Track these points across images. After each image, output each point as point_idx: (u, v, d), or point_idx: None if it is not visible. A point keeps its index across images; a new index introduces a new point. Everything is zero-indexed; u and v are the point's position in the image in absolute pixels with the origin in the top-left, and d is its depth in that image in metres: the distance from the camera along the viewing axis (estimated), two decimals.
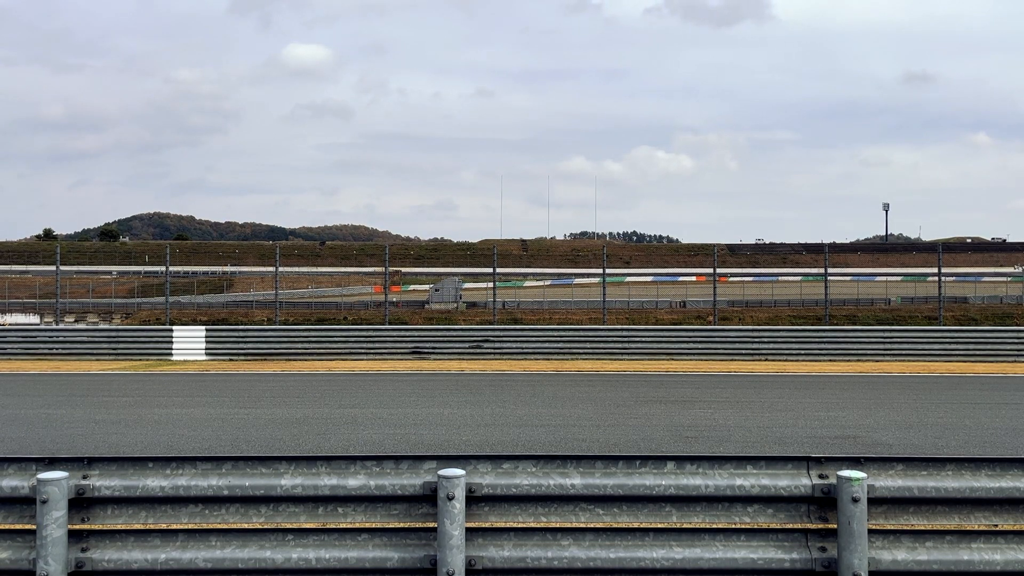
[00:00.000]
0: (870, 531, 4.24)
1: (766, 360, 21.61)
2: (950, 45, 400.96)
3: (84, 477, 4.38)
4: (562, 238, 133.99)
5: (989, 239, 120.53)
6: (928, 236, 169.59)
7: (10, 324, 36.59)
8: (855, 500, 4.16)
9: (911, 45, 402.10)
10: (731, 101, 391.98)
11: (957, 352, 21.56)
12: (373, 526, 4.43)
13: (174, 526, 4.42)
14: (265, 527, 4.43)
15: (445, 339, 23.12)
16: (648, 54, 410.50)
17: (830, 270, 27.49)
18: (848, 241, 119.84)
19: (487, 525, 4.45)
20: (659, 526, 4.42)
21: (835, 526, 4.28)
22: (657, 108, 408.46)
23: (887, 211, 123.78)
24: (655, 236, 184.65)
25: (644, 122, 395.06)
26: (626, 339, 22.86)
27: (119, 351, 22.76)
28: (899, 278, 68.75)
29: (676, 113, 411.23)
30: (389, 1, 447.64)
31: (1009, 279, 66.93)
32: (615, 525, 4.41)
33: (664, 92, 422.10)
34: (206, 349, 22.74)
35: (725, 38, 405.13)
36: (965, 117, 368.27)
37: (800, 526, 4.39)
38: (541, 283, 73.84)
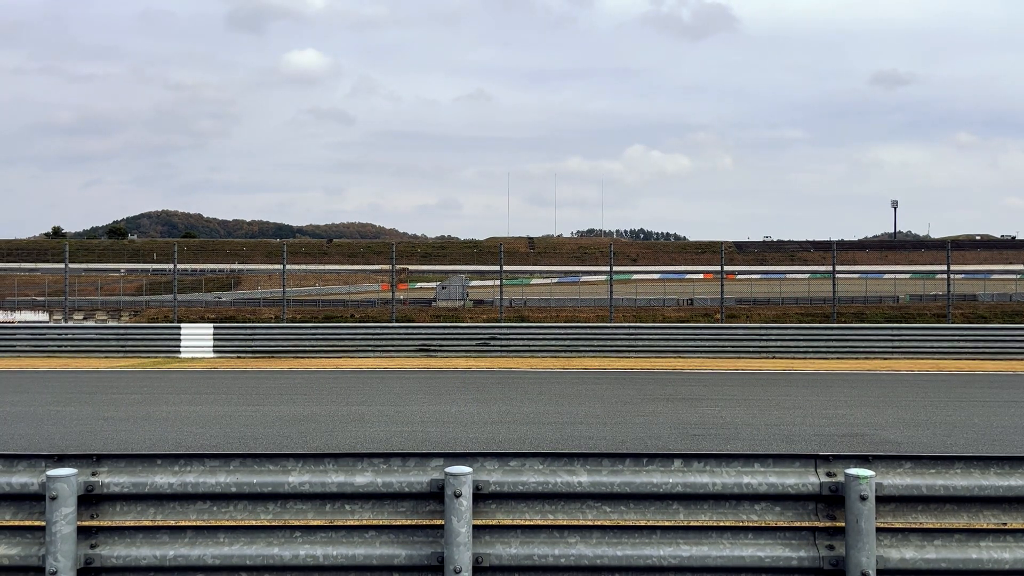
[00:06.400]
0: (878, 529, 4.23)
1: (773, 358, 21.56)
2: (960, 43, 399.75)
3: (93, 474, 4.39)
4: (569, 236, 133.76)
5: (998, 236, 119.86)
6: (937, 233, 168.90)
7: (19, 321, 36.77)
8: (863, 498, 4.15)
9: (917, 44, 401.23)
10: (738, 100, 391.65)
11: (966, 350, 21.48)
12: (380, 523, 4.44)
13: (183, 523, 4.44)
14: (273, 524, 4.44)
15: (452, 337, 23.14)
16: (645, 57, 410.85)
17: (838, 268, 27.40)
18: (856, 239, 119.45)
19: (494, 522, 4.45)
20: (666, 524, 4.42)
21: (843, 524, 4.27)
22: (660, 108, 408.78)
23: (896, 208, 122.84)
24: (662, 234, 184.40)
25: (648, 121, 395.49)
26: (633, 337, 22.84)
27: (127, 349, 22.86)
28: (907, 276, 68.51)
29: (681, 112, 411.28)
30: (383, 16, 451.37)
31: (1018, 277, 66.67)
32: (622, 523, 4.41)
33: (666, 92, 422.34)
34: (214, 347, 22.82)
35: (720, 41, 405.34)
36: (976, 115, 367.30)
37: (808, 524, 4.37)
38: (548, 281, 73.81)
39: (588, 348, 22.43)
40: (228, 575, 4.35)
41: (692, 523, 4.40)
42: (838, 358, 21.28)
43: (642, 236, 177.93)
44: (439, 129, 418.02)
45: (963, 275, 64.92)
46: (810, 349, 21.96)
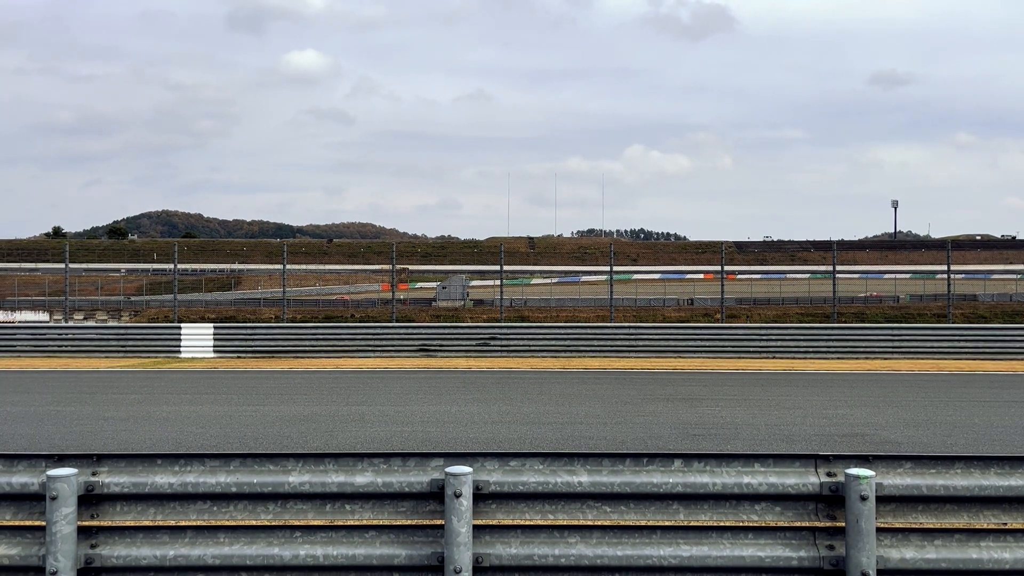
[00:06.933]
0: (878, 529, 4.23)
1: (774, 358, 21.55)
2: (960, 43, 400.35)
3: (93, 474, 4.39)
4: (569, 236, 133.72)
5: (998, 236, 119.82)
6: (937, 233, 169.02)
7: (20, 321, 36.77)
8: (863, 498, 4.15)
9: (916, 44, 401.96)
10: (738, 100, 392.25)
11: (966, 350, 21.47)
12: (381, 523, 4.43)
13: (183, 523, 4.44)
14: (273, 524, 4.44)
15: (452, 337, 23.13)
16: (645, 57, 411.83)
17: (838, 268, 27.41)
18: (856, 239, 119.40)
19: (494, 522, 4.45)
20: (666, 524, 4.41)
21: (843, 524, 4.27)
22: (660, 108, 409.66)
23: (896, 208, 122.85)
24: (662, 234, 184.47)
25: (648, 121, 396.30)
26: (633, 337, 22.83)
27: (128, 348, 22.85)
28: (908, 275, 68.50)
29: (681, 112, 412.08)
30: (383, 17, 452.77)
31: (1018, 276, 66.67)
32: (622, 523, 4.41)
33: (666, 92, 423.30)
34: (214, 347, 22.81)
35: (720, 41, 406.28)
36: (976, 115, 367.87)
37: (808, 524, 4.37)
38: (548, 281, 73.82)
39: (588, 348, 22.43)
40: (228, 575, 4.36)
41: (692, 523, 4.40)
42: (838, 358, 21.27)
43: (642, 236, 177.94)
44: (439, 129, 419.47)
45: (963, 275, 64.92)
46: (810, 349, 21.95)
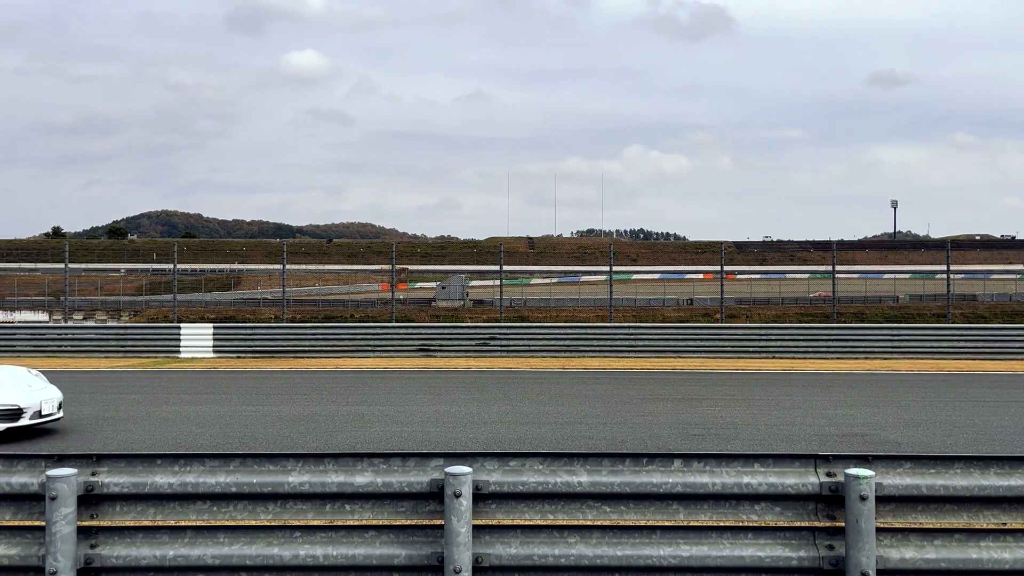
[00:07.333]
0: (878, 529, 4.23)
1: (773, 358, 21.56)
2: (960, 43, 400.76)
3: (93, 474, 4.39)
4: (569, 236, 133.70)
5: (998, 236, 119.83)
6: (937, 233, 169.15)
7: (19, 321, 36.78)
8: (863, 498, 4.15)
9: (916, 44, 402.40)
10: (738, 100, 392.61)
11: (966, 350, 21.48)
12: (380, 523, 4.43)
13: (182, 523, 4.44)
14: (273, 524, 4.44)
15: (452, 337, 23.14)
16: (644, 57, 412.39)
17: (838, 268, 27.41)
18: (856, 239, 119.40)
19: (494, 522, 4.45)
20: (666, 524, 4.41)
21: (843, 524, 4.27)
22: (659, 108, 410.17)
23: (895, 208, 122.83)
24: (662, 234, 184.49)
25: (647, 121, 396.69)
26: (633, 337, 22.84)
27: (127, 348, 22.86)
28: (907, 276, 68.49)
29: (680, 112, 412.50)
30: (382, 17, 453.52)
31: (1018, 276, 66.69)
32: (622, 523, 4.41)
33: (665, 92, 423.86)
34: (214, 347, 22.82)
35: (719, 42, 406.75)
36: (975, 115, 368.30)
37: (808, 524, 4.37)
38: (548, 281, 73.81)
39: (588, 348, 22.43)
40: (228, 575, 4.36)
41: (692, 523, 4.40)
42: (838, 358, 21.28)
43: (642, 236, 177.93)
44: (439, 129, 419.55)
45: (963, 275, 64.90)
46: (810, 349, 21.96)
